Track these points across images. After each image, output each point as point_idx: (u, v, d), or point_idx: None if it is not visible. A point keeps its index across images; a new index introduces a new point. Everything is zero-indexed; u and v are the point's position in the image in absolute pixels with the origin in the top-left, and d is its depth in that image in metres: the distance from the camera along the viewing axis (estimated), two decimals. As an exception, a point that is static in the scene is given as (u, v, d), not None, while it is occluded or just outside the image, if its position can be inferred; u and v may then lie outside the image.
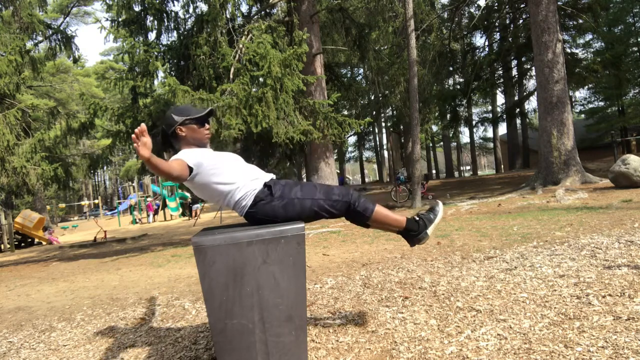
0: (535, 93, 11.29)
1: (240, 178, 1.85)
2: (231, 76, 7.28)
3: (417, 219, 2.02)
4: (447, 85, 22.85)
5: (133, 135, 1.45)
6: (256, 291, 1.59)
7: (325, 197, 1.85)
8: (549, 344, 1.71)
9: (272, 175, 1.95)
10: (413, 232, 1.99)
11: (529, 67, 19.27)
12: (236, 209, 1.87)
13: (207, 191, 1.87)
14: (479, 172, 42.44)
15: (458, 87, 23.23)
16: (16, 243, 14.25)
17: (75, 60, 9.53)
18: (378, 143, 35.74)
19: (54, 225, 17.56)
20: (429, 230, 2.01)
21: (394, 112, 23.71)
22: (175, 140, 1.98)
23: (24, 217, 14.87)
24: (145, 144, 1.46)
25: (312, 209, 1.84)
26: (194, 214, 18.43)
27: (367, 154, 39.72)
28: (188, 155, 1.82)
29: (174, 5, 30.61)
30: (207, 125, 2.00)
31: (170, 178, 1.67)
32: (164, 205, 21.61)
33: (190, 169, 1.79)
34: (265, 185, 1.85)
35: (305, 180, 21.84)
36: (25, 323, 3.20)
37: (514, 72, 20.72)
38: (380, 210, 1.92)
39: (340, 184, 18.06)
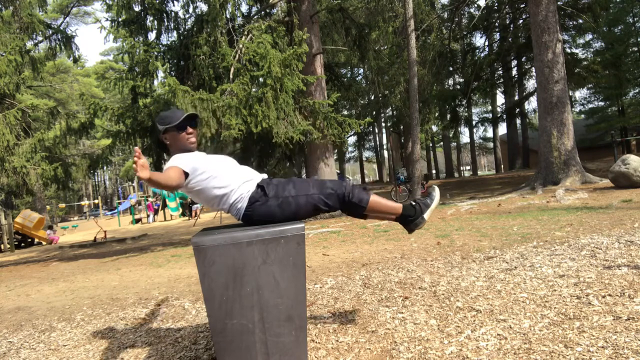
0: (535, 93, 11.29)
1: (234, 180, 1.85)
2: (231, 76, 7.28)
3: (414, 204, 2.02)
4: (447, 85, 22.84)
5: (134, 165, 1.48)
6: (256, 291, 1.59)
7: (319, 192, 1.84)
8: (549, 344, 1.71)
9: (264, 176, 1.95)
10: (410, 218, 1.99)
11: (529, 67, 19.27)
12: (232, 211, 1.86)
13: (202, 195, 1.87)
14: (479, 172, 42.43)
15: (458, 87, 23.24)
16: (16, 243, 14.25)
17: (75, 60, 9.52)
18: (378, 143, 35.74)
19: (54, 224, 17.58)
20: (426, 215, 2.00)
21: (394, 112, 23.71)
22: (166, 146, 2.02)
23: (24, 217, 14.88)
24: (142, 166, 1.47)
25: (308, 205, 1.83)
26: (194, 214, 18.42)
27: (367, 154, 39.74)
28: (181, 161, 1.83)
29: (174, 5, 30.57)
30: (189, 129, 1.97)
31: (170, 189, 1.69)
32: (164, 205, 21.61)
33: (186, 174, 1.79)
34: (258, 186, 1.85)
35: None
36: (25, 323, 3.20)
37: (514, 72, 20.72)
38: (375, 199, 1.91)
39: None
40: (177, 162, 1.81)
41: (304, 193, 1.83)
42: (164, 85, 6.82)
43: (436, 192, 2.07)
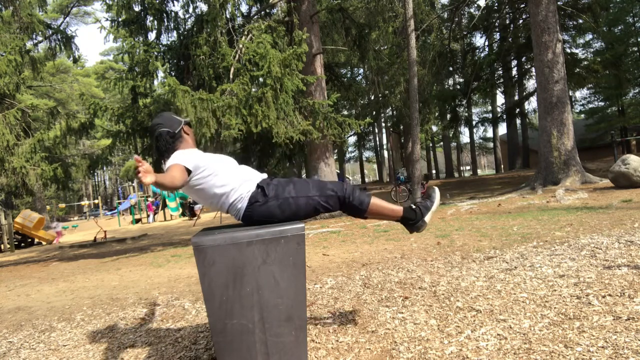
0: (535, 93, 11.29)
1: (234, 180, 1.84)
2: (231, 76, 7.27)
3: (414, 207, 2.02)
4: (447, 85, 22.84)
5: (137, 174, 1.47)
6: (256, 291, 1.59)
7: (319, 194, 1.84)
8: (549, 344, 1.71)
9: (264, 176, 1.94)
10: (411, 221, 1.99)
11: (529, 67, 19.26)
12: (231, 211, 1.85)
13: (202, 193, 1.86)
14: (479, 172, 42.43)
15: (458, 87, 23.23)
16: (16, 243, 14.25)
17: (75, 60, 9.52)
18: (378, 143, 35.74)
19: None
20: (427, 218, 2.01)
21: (394, 112, 23.70)
22: (176, 141, 1.98)
23: (24, 217, 14.89)
24: (146, 171, 1.46)
25: (308, 207, 1.83)
26: (196, 213, 18.38)
27: (367, 154, 39.72)
28: (184, 157, 1.81)
29: (173, 5, 30.57)
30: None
31: (175, 189, 1.68)
32: (164, 205, 21.61)
33: (189, 172, 1.78)
34: (258, 186, 1.84)
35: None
36: (25, 323, 3.20)
37: (514, 72, 20.70)
38: (375, 202, 1.92)
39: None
40: (180, 159, 1.79)
41: (304, 194, 1.83)
42: (164, 85, 6.81)
43: (436, 194, 2.07)
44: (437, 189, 2.11)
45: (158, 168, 8.22)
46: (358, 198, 1.88)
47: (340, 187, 1.87)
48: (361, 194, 1.89)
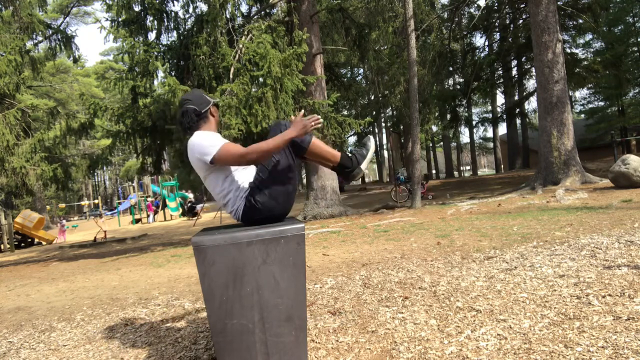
0: (535, 93, 11.29)
1: (236, 179, 1.88)
2: (231, 76, 7.27)
3: (350, 155, 2.03)
4: (447, 85, 22.83)
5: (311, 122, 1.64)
6: (256, 291, 1.59)
7: (279, 156, 1.85)
8: (549, 344, 1.71)
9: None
10: (347, 169, 1.99)
11: (529, 67, 19.26)
12: (232, 212, 1.87)
13: (219, 181, 1.87)
14: (479, 172, 42.41)
15: (458, 87, 23.23)
16: (16, 243, 14.25)
17: (75, 60, 9.53)
18: (378, 143, 35.72)
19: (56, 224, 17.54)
20: (363, 165, 2.01)
21: (394, 112, 23.71)
22: (200, 120, 1.97)
23: (24, 217, 14.89)
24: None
25: (285, 171, 1.84)
26: (198, 213, 18.35)
27: (367, 154, 39.59)
28: (220, 138, 1.87)
29: (173, 5, 30.57)
30: None
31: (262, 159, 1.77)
32: (164, 205, 21.60)
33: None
34: (250, 186, 1.86)
35: (305, 180, 21.84)
36: (25, 323, 3.20)
37: (514, 72, 20.70)
38: (317, 142, 1.93)
39: (340, 183, 18.05)
40: (221, 139, 1.86)
41: (274, 167, 1.83)
42: (164, 85, 6.81)
43: (371, 142, 2.08)
44: (371, 137, 2.12)
45: (158, 167, 8.24)
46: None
47: (282, 127, 1.88)
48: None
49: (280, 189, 1.82)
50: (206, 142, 1.82)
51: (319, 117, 1.75)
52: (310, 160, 1.99)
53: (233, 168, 1.87)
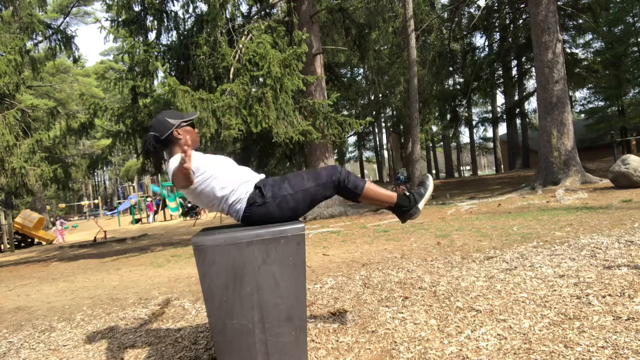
0: (535, 93, 11.30)
1: (233, 181, 1.84)
2: (231, 76, 7.27)
3: (408, 194, 2.02)
4: (447, 85, 22.83)
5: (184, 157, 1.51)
6: (256, 291, 1.59)
7: (315, 184, 1.84)
8: (549, 344, 1.71)
9: (262, 176, 1.94)
10: (404, 208, 1.98)
11: (529, 67, 19.27)
12: (231, 213, 1.85)
13: (203, 196, 1.85)
14: (479, 172, 42.44)
15: (458, 87, 23.22)
16: (16, 243, 14.26)
17: (75, 60, 9.53)
18: (378, 143, 35.74)
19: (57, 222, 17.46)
20: (420, 205, 1.99)
21: (394, 112, 23.71)
22: (168, 145, 1.97)
23: (24, 217, 14.90)
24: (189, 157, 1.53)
25: (306, 199, 1.82)
26: (201, 213, 18.32)
27: (367, 154, 39.70)
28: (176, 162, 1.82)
29: (173, 5, 30.59)
30: (196, 129, 2.05)
31: (182, 186, 1.71)
32: (164, 205, 21.60)
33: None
34: (256, 187, 1.84)
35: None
36: (25, 323, 3.20)
37: (514, 72, 20.71)
38: (370, 186, 1.92)
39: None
40: (175, 163, 1.80)
41: (300, 188, 1.82)
42: (164, 85, 6.81)
43: (430, 181, 2.06)
44: (430, 177, 2.10)
45: (158, 167, 8.23)
46: (353, 182, 1.88)
47: (334, 172, 1.87)
48: (356, 178, 1.90)
49: (291, 205, 1.80)
50: (171, 169, 1.83)
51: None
52: (366, 202, 1.98)
53: (213, 180, 1.83)
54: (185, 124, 1.97)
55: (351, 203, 13.40)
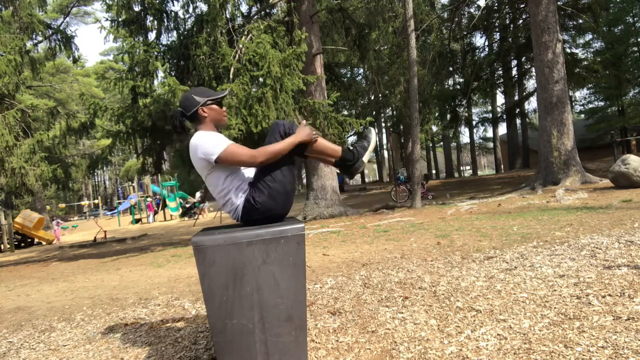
0: (535, 93, 11.29)
1: (236, 179, 1.87)
2: (231, 76, 7.27)
3: (352, 148, 2.02)
4: (447, 85, 22.83)
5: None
6: (256, 291, 1.59)
7: (281, 157, 1.84)
8: (549, 344, 1.71)
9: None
10: (349, 162, 1.99)
11: (529, 67, 19.26)
12: (231, 212, 1.87)
13: (220, 180, 1.85)
14: (479, 172, 42.41)
15: (458, 87, 23.22)
16: (16, 243, 14.25)
17: (75, 60, 9.53)
18: (378, 143, 35.73)
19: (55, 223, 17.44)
20: (365, 158, 2.00)
21: (394, 112, 23.70)
22: (193, 122, 1.97)
23: (24, 217, 14.89)
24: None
25: (284, 171, 1.84)
26: (204, 213, 18.30)
27: (367, 154, 39.58)
28: (225, 138, 1.85)
29: (173, 5, 30.62)
30: (223, 107, 2.03)
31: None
32: (164, 205, 21.59)
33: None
34: (249, 184, 1.87)
35: (305, 180, 21.83)
36: (25, 323, 3.20)
37: (514, 72, 20.71)
38: (318, 138, 1.93)
39: (340, 184, 18.06)
40: (224, 138, 1.84)
41: (278, 168, 1.83)
42: (164, 85, 6.81)
43: (372, 135, 2.06)
44: (372, 130, 2.10)
45: (158, 167, 8.23)
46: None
47: (277, 127, 1.88)
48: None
49: (279, 189, 1.82)
50: (210, 141, 1.81)
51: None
52: (312, 157, 1.99)
53: (233, 168, 1.86)
54: (211, 102, 1.96)
55: (351, 203, 13.38)
